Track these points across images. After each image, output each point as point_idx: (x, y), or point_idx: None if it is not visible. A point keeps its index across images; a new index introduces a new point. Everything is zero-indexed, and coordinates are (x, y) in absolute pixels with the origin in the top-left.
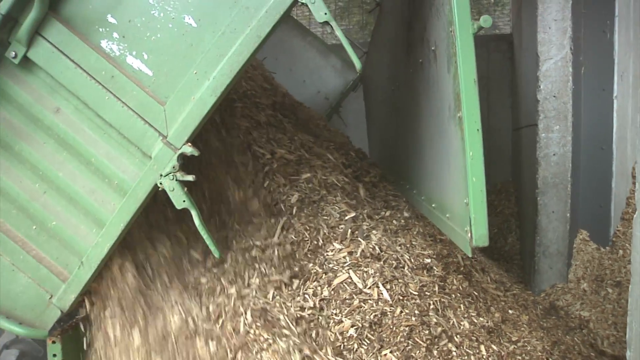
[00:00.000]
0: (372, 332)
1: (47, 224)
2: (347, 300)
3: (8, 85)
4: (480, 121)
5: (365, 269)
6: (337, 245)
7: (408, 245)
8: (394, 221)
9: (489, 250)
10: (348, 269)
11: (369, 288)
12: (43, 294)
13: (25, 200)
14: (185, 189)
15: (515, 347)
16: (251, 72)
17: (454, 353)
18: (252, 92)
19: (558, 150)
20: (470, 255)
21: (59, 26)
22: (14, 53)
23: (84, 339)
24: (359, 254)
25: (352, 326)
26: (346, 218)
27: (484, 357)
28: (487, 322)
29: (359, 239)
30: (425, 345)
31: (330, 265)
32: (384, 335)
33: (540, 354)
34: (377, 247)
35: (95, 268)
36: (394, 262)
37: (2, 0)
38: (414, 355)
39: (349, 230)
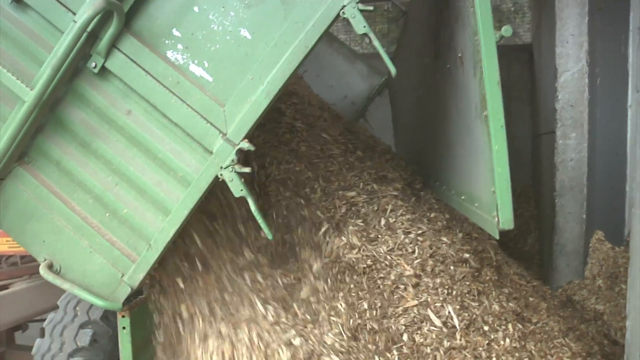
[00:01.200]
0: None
1: (119, 212)
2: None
3: (87, 91)
4: (503, 118)
5: (423, 272)
6: (406, 267)
7: (450, 243)
8: (438, 222)
9: (510, 250)
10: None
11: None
12: (116, 273)
13: (100, 191)
14: (242, 179)
15: (535, 327)
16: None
17: (487, 329)
18: (328, 146)
19: (575, 155)
20: (497, 238)
21: (132, 39)
22: (94, 64)
23: (154, 314)
24: (420, 263)
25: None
26: (415, 238)
27: (511, 332)
28: (514, 306)
29: (424, 254)
30: (464, 323)
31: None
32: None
33: (557, 334)
34: (429, 249)
35: (162, 250)
36: (440, 257)
37: (83, 18)
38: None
39: (416, 252)
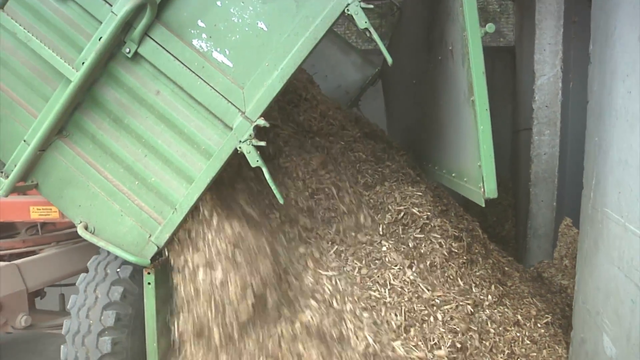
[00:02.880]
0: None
1: (147, 180)
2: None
3: (120, 74)
4: (488, 103)
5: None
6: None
7: (448, 222)
8: (439, 206)
9: (489, 235)
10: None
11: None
12: (144, 233)
13: (130, 162)
14: (258, 152)
15: (509, 289)
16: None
17: (475, 289)
18: (364, 167)
19: (548, 150)
20: (483, 206)
21: (162, 29)
22: (128, 49)
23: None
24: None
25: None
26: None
27: (493, 291)
28: (495, 273)
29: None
30: (460, 284)
31: None
32: (439, 279)
33: (526, 295)
34: (438, 228)
35: (186, 213)
36: (443, 232)
37: (124, 10)
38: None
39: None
